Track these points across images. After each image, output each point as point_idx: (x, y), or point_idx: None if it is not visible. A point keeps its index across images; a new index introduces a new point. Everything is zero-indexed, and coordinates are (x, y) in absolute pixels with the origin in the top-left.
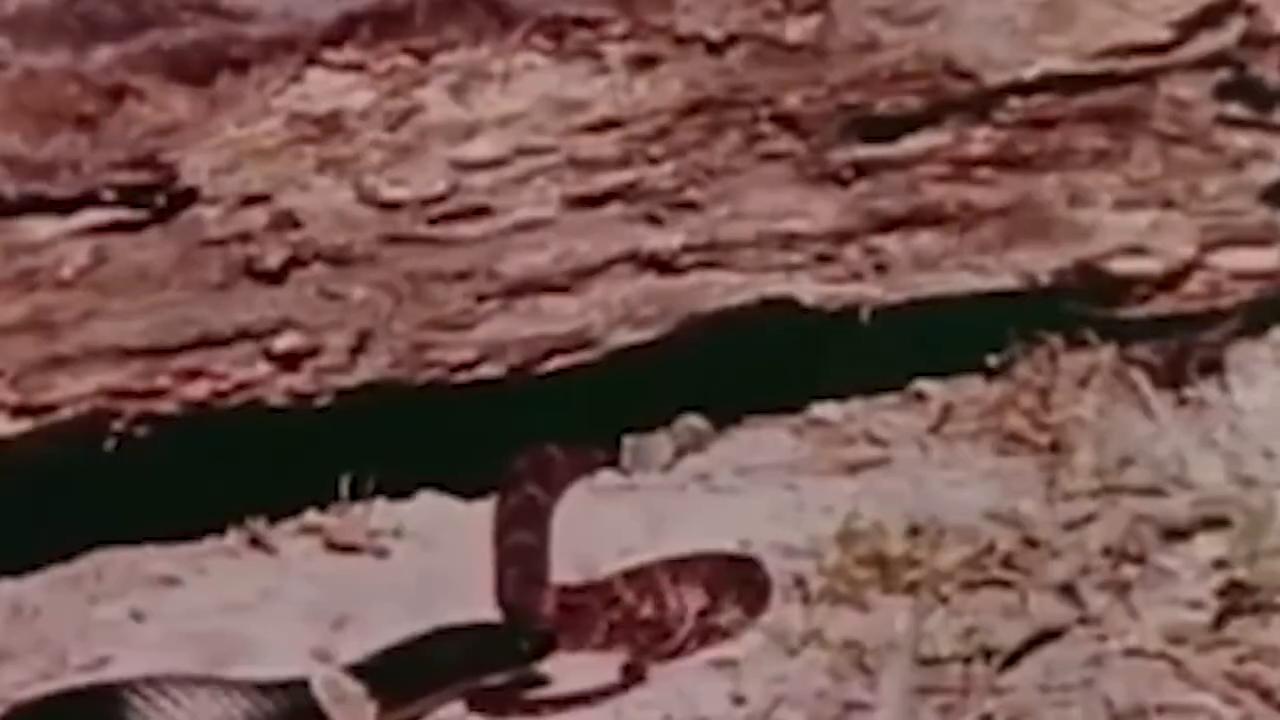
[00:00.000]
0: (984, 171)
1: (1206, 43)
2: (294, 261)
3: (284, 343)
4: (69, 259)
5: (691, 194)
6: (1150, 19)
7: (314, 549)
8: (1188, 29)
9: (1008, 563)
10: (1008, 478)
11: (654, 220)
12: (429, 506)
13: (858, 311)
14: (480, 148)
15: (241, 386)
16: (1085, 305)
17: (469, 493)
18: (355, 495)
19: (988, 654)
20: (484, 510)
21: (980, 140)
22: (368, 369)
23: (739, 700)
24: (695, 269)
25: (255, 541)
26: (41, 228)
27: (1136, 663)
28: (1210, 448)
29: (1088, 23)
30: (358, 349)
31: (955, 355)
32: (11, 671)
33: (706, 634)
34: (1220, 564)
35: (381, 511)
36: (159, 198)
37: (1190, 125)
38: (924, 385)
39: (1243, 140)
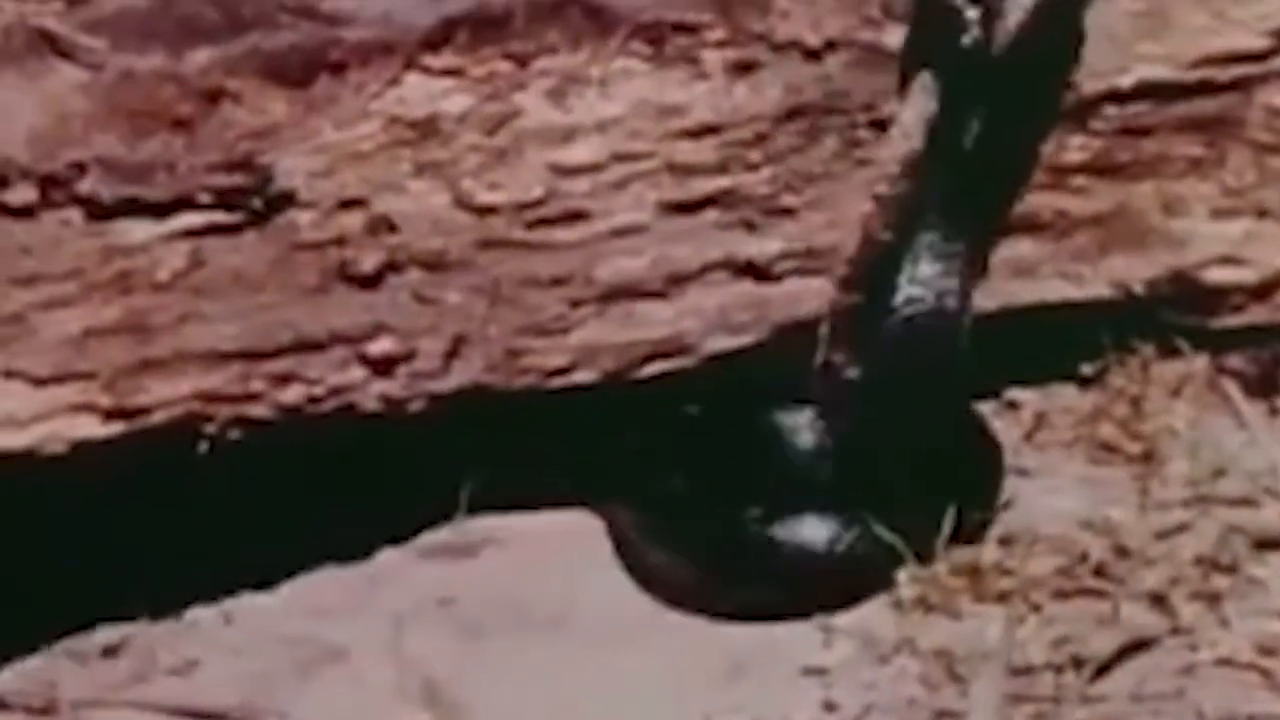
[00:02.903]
0: (1080, 179)
1: None
2: (389, 266)
3: (378, 347)
4: (165, 262)
5: (788, 200)
6: (1247, 27)
7: (408, 556)
8: None
9: (1100, 572)
10: (1100, 486)
11: (750, 226)
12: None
13: None
14: (577, 153)
15: (335, 391)
16: (1179, 315)
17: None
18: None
19: (1079, 663)
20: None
21: (1076, 148)
22: (462, 374)
23: (830, 707)
24: (792, 275)
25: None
26: (137, 230)
27: (1227, 673)
28: None
29: (1185, 31)
30: (452, 354)
31: (1049, 364)
32: (105, 672)
33: None
34: None
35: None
36: (255, 201)
37: None
38: (1017, 394)
39: None
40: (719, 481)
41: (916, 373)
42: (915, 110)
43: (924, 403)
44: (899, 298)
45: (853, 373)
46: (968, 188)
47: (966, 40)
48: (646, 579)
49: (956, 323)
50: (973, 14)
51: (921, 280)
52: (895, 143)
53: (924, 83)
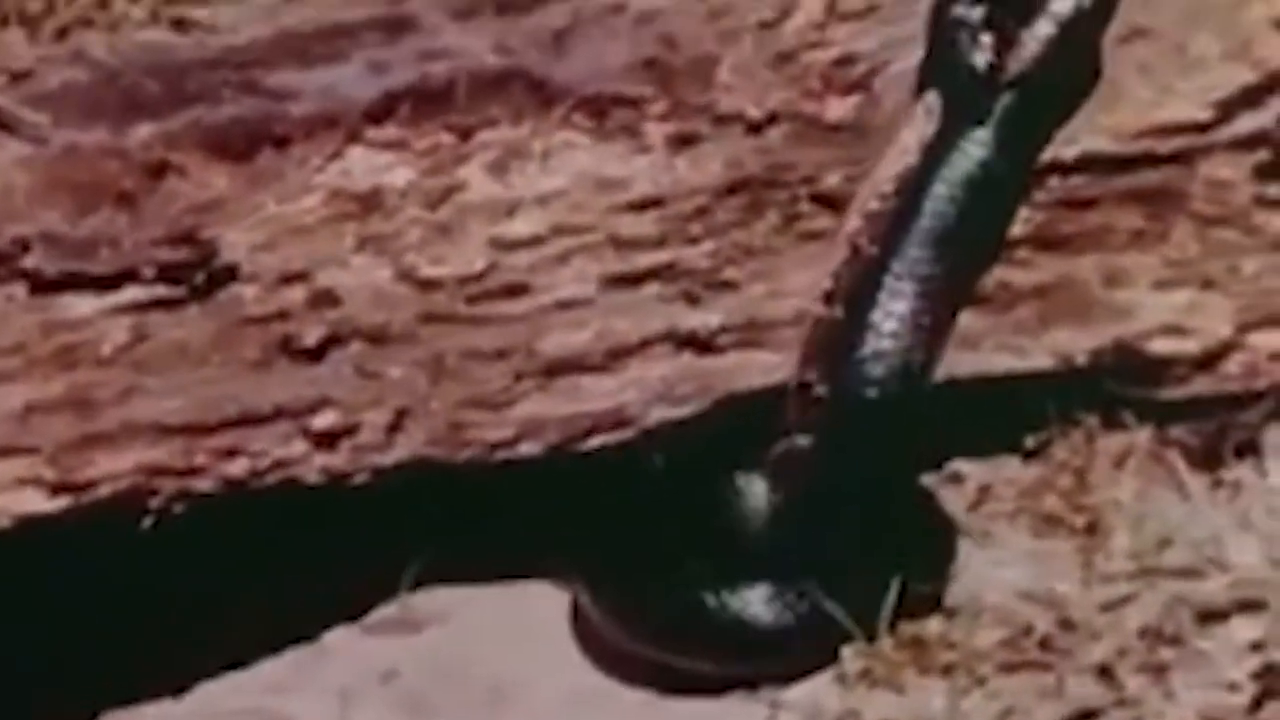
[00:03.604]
0: (1022, 251)
1: (1246, 123)
2: (332, 340)
3: (322, 421)
4: (108, 336)
5: (730, 273)
6: (1190, 99)
7: (353, 632)
8: (1227, 109)
9: (1045, 644)
10: (1044, 559)
11: (692, 299)
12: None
13: None
14: (520, 226)
15: (279, 465)
16: (1122, 386)
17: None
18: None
19: None
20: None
21: (1019, 220)
22: (405, 448)
23: None
24: (733, 348)
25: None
26: (81, 305)
27: None
28: (1247, 529)
29: (1129, 103)
30: (395, 428)
31: (992, 436)
32: None
33: None
34: (1257, 646)
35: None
36: (198, 275)
37: (1229, 206)
38: (961, 465)
39: None
40: (666, 552)
41: (868, 443)
42: (916, 131)
43: (874, 474)
44: (857, 363)
45: (803, 441)
46: (953, 224)
47: (975, 63)
48: (598, 650)
49: (916, 390)
50: (985, 38)
51: (883, 346)
52: (891, 161)
53: (928, 104)
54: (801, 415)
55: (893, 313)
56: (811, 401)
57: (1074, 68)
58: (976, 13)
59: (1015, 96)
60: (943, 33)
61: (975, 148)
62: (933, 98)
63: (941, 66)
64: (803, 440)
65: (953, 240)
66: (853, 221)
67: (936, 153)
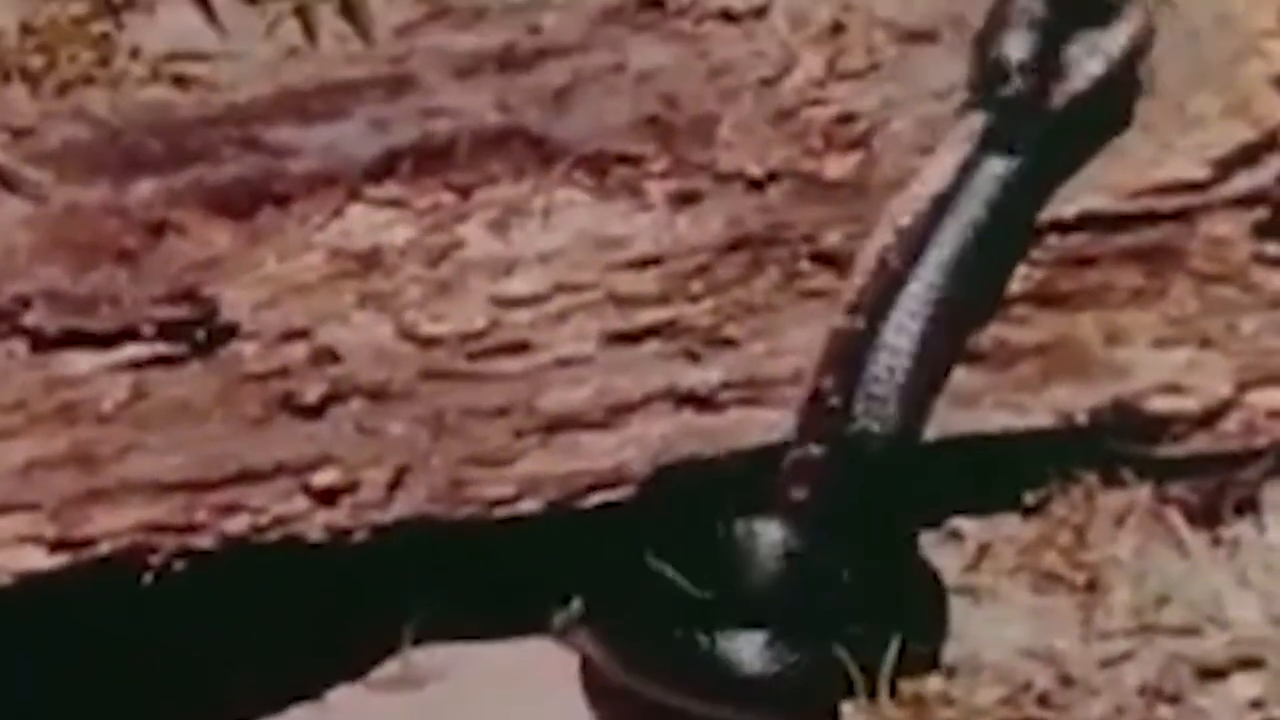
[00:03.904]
0: (1021, 309)
1: (1244, 181)
2: (332, 397)
3: (322, 478)
4: (109, 393)
5: (730, 331)
6: (1189, 157)
7: (357, 690)
8: (1226, 167)
9: (1044, 701)
10: (1044, 616)
11: (692, 357)
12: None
13: None
14: (520, 284)
15: (279, 522)
16: (1122, 444)
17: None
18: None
19: None
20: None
21: (1017, 278)
22: (405, 505)
23: None
24: (733, 406)
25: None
26: (81, 362)
27: None
28: (1246, 587)
29: (1128, 161)
30: (395, 485)
31: (991, 493)
32: None
33: None
34: (1256, 704)
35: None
36: (199, 332)
37: (1228, 264)
38: (960, 523)
39: None
40: (673, 602)
41: (870, 499)
42: (954, 153)
43: (876, 530)
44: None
45: (802, 496)
46: (972, 249)
47: (1019, 93)
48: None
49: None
50: (1033, 69)
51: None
52: (927, 180)
53: (970, 127)
54: (814, 424)
55: (908, 331)
56: (825, 411)
57: (1110, 109)
58: (1026, 43)
59: (1054, 131)
60: (989, 60)
61: (1006, 177)
62: (975, 121)
63: (985, 93)
64: (815, 450)
65: (970, 265)
66: (883, 236)
67: (970, 177)
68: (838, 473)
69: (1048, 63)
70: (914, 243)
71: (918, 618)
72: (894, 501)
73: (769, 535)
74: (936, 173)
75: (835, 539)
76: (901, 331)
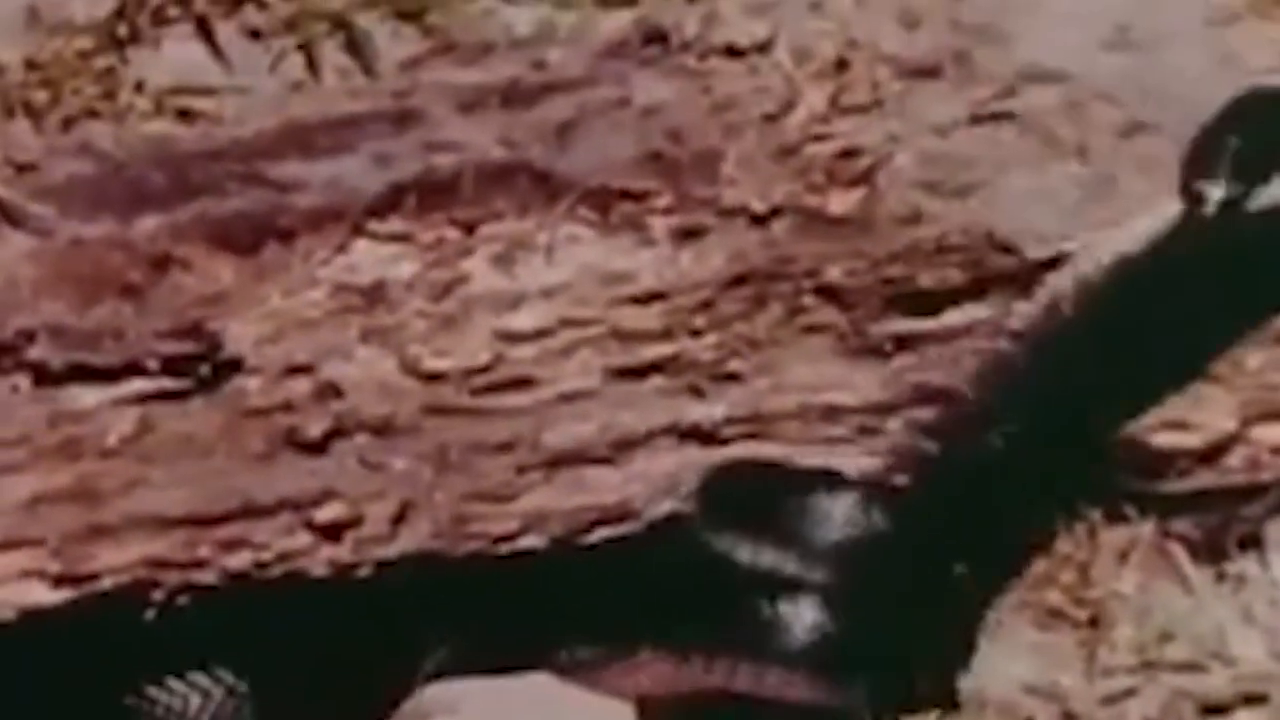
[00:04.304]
0: None
1: None
2: (336, 432)
3: (326, 513)
4: (113, 428)
5: (734, 366)
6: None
7: None
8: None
9: None
10: (1047, 652)
11: (696, 392)
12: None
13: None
14: (524, 319)
15: (283, 557)
16: (1125, 479)
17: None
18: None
19: None
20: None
21: (1023, 314)
22: (409, 540)
23: None
24: (737, 441)
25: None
26: (86, 396)
27: None
28: (1250, 623)
29: (1129, 197)
30: (399, 520)
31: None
32: None
33: None
34: None
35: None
36: (203, 367)
37: None
38: None
39: None
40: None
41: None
42: (1152, 223)
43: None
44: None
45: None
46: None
47: (1223, 188)
48: None
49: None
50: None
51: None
52: (1119, 240)
53: (1172, 210)
54: (945, 425)
55: (1061, 367)
56: (962, 415)
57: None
58: (1237, 142)
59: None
60: (1189, 188)
61: (1188, 264)
62: (1180, 202)
63: (1192, 178)
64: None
65: (1127, 333)
66: (1063, 279)
67: (1157, 252)
68: (948, 470)
69: (1253, 165)
70: (1089, 296)
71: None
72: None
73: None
74: (1130, 236)
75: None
76: (1055, 366)
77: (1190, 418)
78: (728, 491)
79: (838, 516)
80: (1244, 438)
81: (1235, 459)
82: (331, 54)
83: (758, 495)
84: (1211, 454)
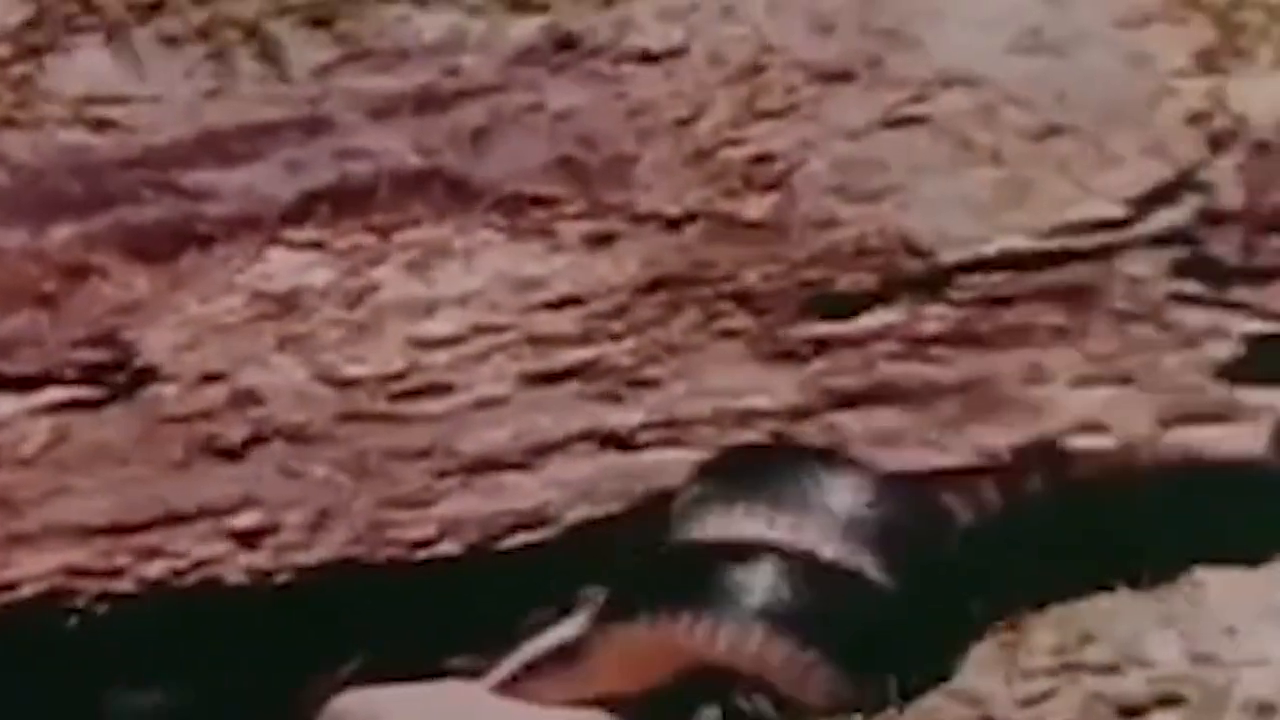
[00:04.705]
0: (940, 349)
1: (1162, 220)
2: (254, 439)
3: (244, 520)
4: (30, 437)
5: (650, 371)
6: (1106, 196)
7: None
8: (1143, 206)
9: None
10: (968, 656)
11: (612, 397)
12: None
13: None
14: (439, 325)
15: (200, 565)
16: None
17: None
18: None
19: None
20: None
21: (936, 318)
22: (327, 547)
23: None
24: (654, 446)
25: None
26: (2, 406)
27: None
28: (1168, 626)
29: (1045, 200)
30: (317, 526)
31: None
32: None
33: None
34: None
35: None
36: (120, 375)
37: (1146, 302)
38: None
39: (1198, 317)
40: None
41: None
42: None
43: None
44: None
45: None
46: None
47: None
48: None
49: None
50: None
51: None
52: None
53: None
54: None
55: None
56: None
57: None
58: None
59: None
60: None
61: None
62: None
63: None
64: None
65: None
66: None
67: None
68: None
69: None
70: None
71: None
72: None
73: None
74: None
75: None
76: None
77: (1107, 420)
78: (740, 467)
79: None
80: (1159, 440)
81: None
82: (246, 62)
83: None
84: (1127, 456)
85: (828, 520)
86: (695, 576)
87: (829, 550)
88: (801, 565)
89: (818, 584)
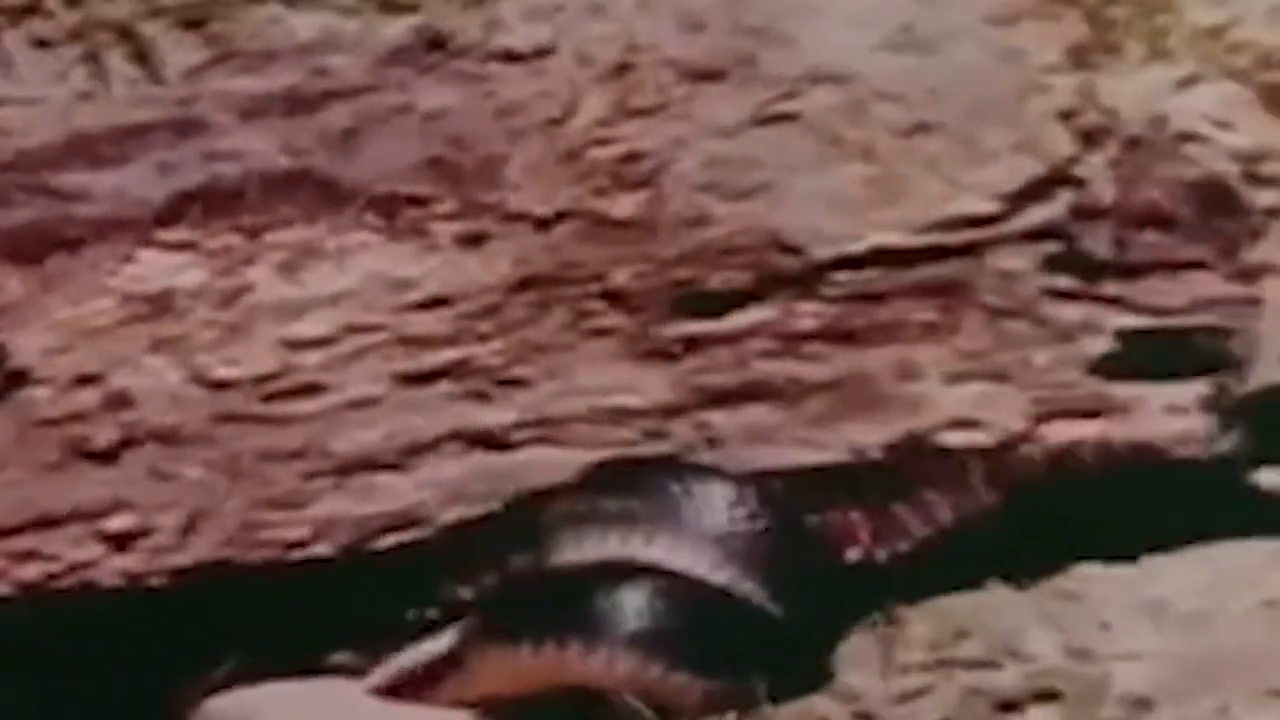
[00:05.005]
0: (813, 346)
1: (1034, 215)
2: (126, 442)
3: (117, 523)
4: None
5: (521, 371)
6: (978, 192)
7: None
8: (1016, 202)
9: None
10: (842, 650)
11: (484, 397)
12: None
13: None
14: (311, 326)
15: (74, 568)
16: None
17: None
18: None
19: None
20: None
21: (808, 314)
22: (200, 549)
23: None
24: (526, 445)
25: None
26: None
27: None
28: (1044, 621)
29: (916, 196)
30: (190, 529)
31: None
32: None
33: None
34: None
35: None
36: None
37: (1018, 298)
38: None
39: (1071, 312)
40: None
41: None
42: None
43: None
44: None
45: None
46: None
47: None
48: None
49: None
50: None
51: None
52: None
53: None
54: None
55: None
56: None
57: None
58: None
59: None
60: None
61: None
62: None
63: None
64: None
65: None
66: None
67: None
68: None
69: None
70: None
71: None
72: None
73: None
74: None
75: None
76: None
77: (980, 416)
78: (617, 483)
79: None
80: (1034, 435)
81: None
82: (118, 64)
83: (646, 487)
84: (1002, 452)
85: (704, 538)
86: (571, 600)
87: (705, 568)
88: (679, 585)
89: (695, 604)
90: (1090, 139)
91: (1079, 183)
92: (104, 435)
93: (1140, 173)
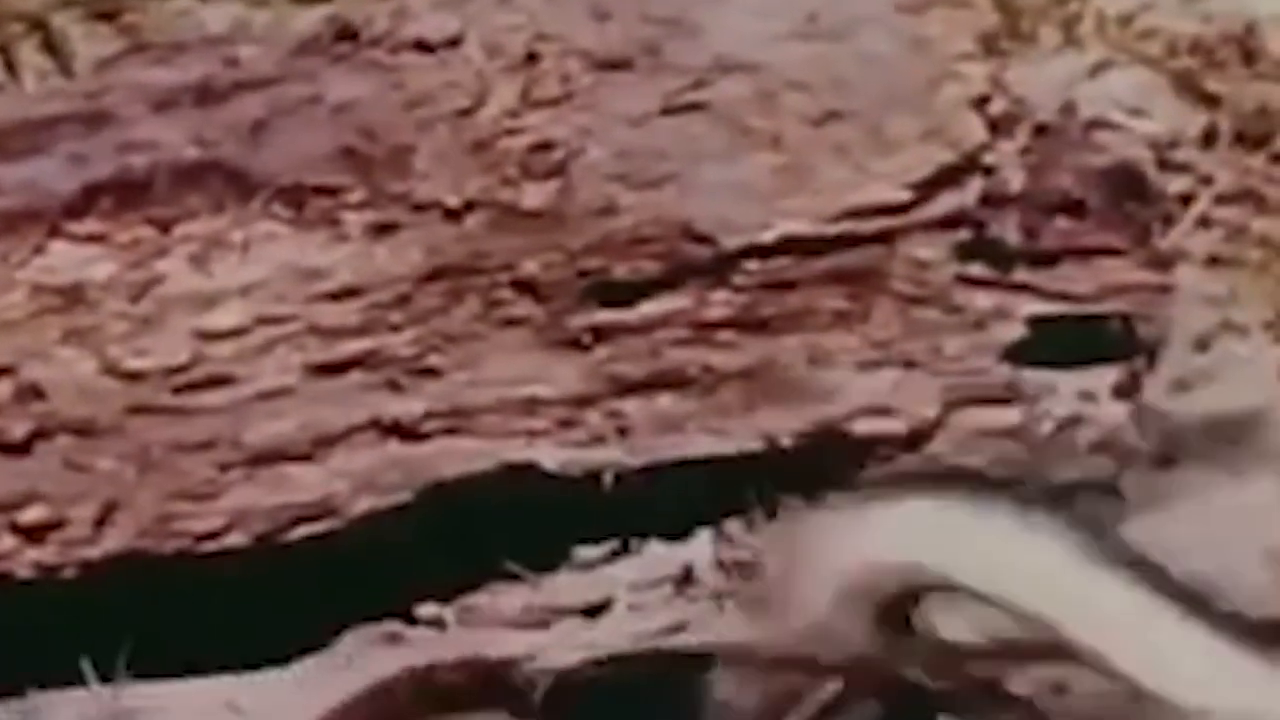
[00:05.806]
0: (724, 334)
1: (945, 203)
2: (39, 434)
3: (30, 515)
4: None
5: (432, 361)
6: (888, 180)
7: None
8: (926, 189)
9: None
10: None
11: (395, 387)
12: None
13: (600, 476)
14: (221, 317)
15: None
16: (828, 466)
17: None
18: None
19: None
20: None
21: (719, 303)
22: (114, 540)
23: None
24: (437, 435)
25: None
26: None
27: None
28: (956, 609)
29: (826, 185)
30: (103, 520)
31: (696, 519)
32: None
33: None
34: None
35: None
36: None
37: (930, 285)
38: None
39: (983, 300)
40: None
41: None
42: None
43: None
44: None
45: None
46: None
47: None
48: None
49: None
50: None
51: None
52: None
53: None
54: None
55: None
56: None
57: None
58: None
59: None
60: None
61: None
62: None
63: None
64: None
65: None
66: None
67: None
68: None
69: None
70: None
71: None
72: None
73: None
74: None
75: None
76: None
77: (892, 404)
78: None
79: None
80: (946, 423)
81: (938, 444)
82: (29, 56)
83: None
84: (913, 440)
85: None
86: None
87: None
88: None
89: None
90: (1000, 127)
91: (990, 170)
92: (16, 427)
93: (1051, 160)
